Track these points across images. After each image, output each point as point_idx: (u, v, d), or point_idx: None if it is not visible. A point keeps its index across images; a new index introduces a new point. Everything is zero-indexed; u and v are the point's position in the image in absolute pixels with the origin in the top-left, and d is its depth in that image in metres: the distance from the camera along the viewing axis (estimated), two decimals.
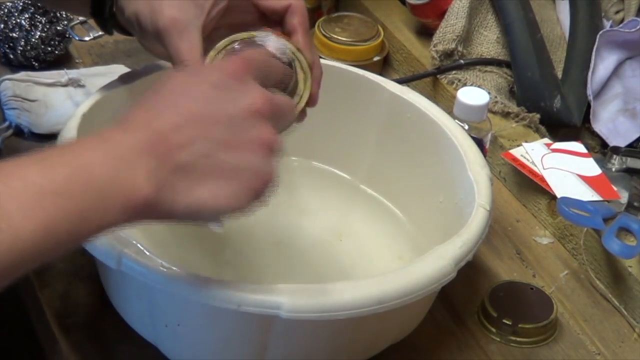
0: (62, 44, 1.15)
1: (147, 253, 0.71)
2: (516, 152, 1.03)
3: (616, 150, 1.04)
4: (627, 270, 0.91)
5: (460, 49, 1.14)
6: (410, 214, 0.96)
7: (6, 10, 1.13)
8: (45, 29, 1.13)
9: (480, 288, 0.91)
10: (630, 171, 1.02)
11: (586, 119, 1.12)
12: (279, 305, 0.69)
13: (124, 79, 0.89)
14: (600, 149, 1.11)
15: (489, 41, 1.17)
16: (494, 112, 1.10)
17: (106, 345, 0.82)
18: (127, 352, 0.81)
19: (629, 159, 1.02)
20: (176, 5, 0.75)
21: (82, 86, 1.09)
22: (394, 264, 0.90)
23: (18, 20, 1.12)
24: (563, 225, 0.99)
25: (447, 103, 1.09)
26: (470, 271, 0.90)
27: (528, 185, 1.03)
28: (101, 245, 0.72)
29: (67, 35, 1.15)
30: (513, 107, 1.11)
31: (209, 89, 0.64)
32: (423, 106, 0.93)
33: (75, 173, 0.58)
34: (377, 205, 0.97)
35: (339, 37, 1.20)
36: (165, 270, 0.70)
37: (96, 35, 1.14)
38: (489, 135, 0.97)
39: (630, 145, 1.09)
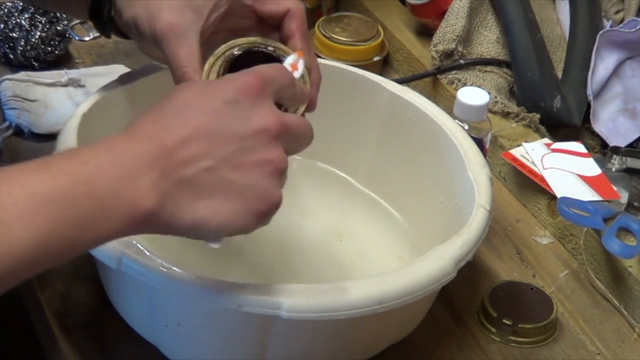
0: (62, 44, 1.15)
1: (147, 253, 0.71)
2: (516, 152, 1.03)
3: (616, 150, 1.04)
4: (627, 270, 0.91)
5: (460, 49, 1.14)
6: (410, 214, 0.95)
7: (6, 10, 1.13)
8: (45, 29, 1.13)
9: (480, 288, 0.91)
10: (630, 171, 1.02)
11: (586, 119, 1.12)
12: (279, 305, 0.69)
13: (123, 79, 0.89)
14: (600, 149, 1.11)
15: (489, 41, 1.17)
16: (494, 112, 1.10)
17: (106, 345, 0.82)
18: (127, 352, 0.81)
19: (629, 159, 1.02)
20: (174, 10, 0.75)
21: (82, 86, 1.09)
22: (394, 264, 0.90)
23: (18, 20, 1.12)
24: (563, 225, 0.99)
25: (447, 103, 1.09)
26: (470, 271, 0.90)
27: (528, 185, 1.03)
28: (101, 246, 0.72)
29: (67, 35, 1.15)
30: (513, 107, 1.11)
31: (221, 105, 0.63)
32: (423, 106, 0.93)
33: (78, 182, 0.57)
34: (377, 205, 0.97)
35: (339, 37, 1.20)
36: (165, 270, 0.70)
37: (96, 35, 1.13)
38: (489, 135, 0.97)
39: (630, 145, 1.09)
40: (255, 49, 0.76)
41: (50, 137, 1.02)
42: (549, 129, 1.10)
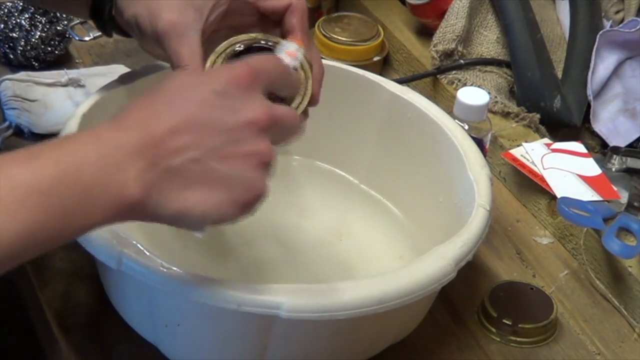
0: (62, 44, 1.15)
1: (147, 253, 0.71)
2: (516, 152, 1.03)
3: (616, 150, 1.04)
4: (627, 270, 0.91)
5: (460, 49, 1.14)
6: (410, 214, 0.95)
7: (6, 10, 1.13)
8: (45, 29, 1.13)
9: (480, 288, 0.91)
10: (630, 171, 1.02)
11: (586, 119, 1.12)
12: (279, 305, 0.69)
13: (123, 79, 0.89)
14: (600, 149, 1.11)
15: (489, 41, 1.17)
16: (494, 112, 1.10)
17: (106, 345, 0.82)
18: (127, 352, 0.81)
19: (629, 159, 1.02)
20: (175, 9, 0.75)
21: (82, 86, 1.09)
22: (394, 264, 0.90)
23: (18, 20, 1.12)
24: (563, 225, 0.99)
25: (447, 103, 1.09)
26: (470, 271, 0.90)
27: (528, 185, 1.03)
28: (101, 245, 0.72)
29: (67, 35, 1.15)
30: (513, 107, 1.11)
31: (210, 95, 0.63)
32: (423, 106, 0.93)
33: (64, 172, 0.57)
34: (377, 205, 0.97)
35: (339, 37, 1.20)
36: (165, 270, 0.70)
37: (96, 35, 1.13)
38: (489, 135, 0.97)
39: (630, 145, 1.09)
40: (256, 45, 0.76)
41: (50, 137, 1.01)
42: (549, 129, 1.10)
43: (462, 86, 1.10)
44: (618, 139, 1.10)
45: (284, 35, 0.77)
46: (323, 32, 1.20)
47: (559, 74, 1.15)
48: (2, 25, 1.12)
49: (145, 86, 0.88)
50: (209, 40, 0.76)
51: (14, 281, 0.92)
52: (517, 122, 1.10)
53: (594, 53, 1.12)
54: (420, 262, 0.76)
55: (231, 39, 0.76)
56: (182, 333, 0.76)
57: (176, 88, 0.64)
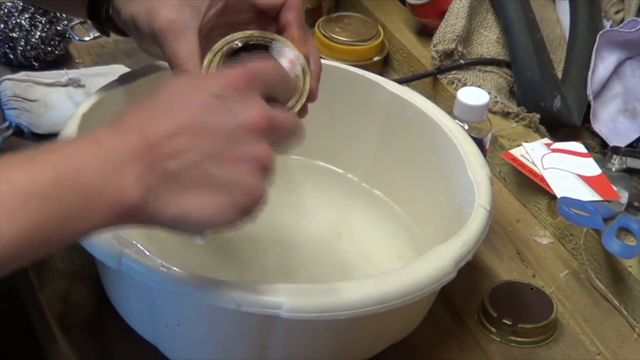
0: (62, 44, 1.15)
1: (147, 253, 0.71)
2: (516, 152, 1.03)
3: (616, 150, 1.04)
4: (627, 270, 0.91)
5: (460, 49, 1.14)
6: (410, 214, 0.95)
7: (6, 10, 1.13)
8: (45, 29, 1.13)
9: (480, 288, 0.91)
10: (630, 171, 1.01)
11: (586, 119, 1.12)
12: (279, 305, 0.69)
13: (123, 79, 0.89)
14: (600, 149, 1.11)
15: (489, 41, 1.17)
16: (494, 112, 1.10)
17: (106, 345, 0.82)
18: (127, 352, 0.81)
19: (629, 159, 1.02)
20: (172, 7, 0.75)
21: (82, 86, 1.09)
22: (394, 263, 0.90)
23: (18, 20, 1.12)
24: (563, 225, 0.99)
25: (447, 103, 1.09)
26: (470, 271, 0.90)
27: (528, 185, 1.03)
28: (101, 245, 0.72)
29: (67, 35, 1.15)
30: (513, 107, 1.11)
31: (208, 98, 0.63)
32: (423, 106, 0.93)
33: (63, 176, 0.57)
34: (377, 205, 0.97)
35: (339, 37, 1.20)
36: (165, 270, 0.70)
37: (96, 35, 1.13)
38: (489, 135, 0.97)
39: (630, 145, 1.09)
40: (253, 42, 0.76)
41: (50, 137, 1.02)
42: (549, 129, 1.10)
43: (462, 86, 1.10)
44: (618, 139, 1.10)
45: (280, 31, 0.77)
46: (323, 32, 1.20)
47: (559, 74, 1.15)
48: (2, 25, 1.12)
49: (145, 86, 0.88)
50: (207, 38, 0.76)
51: (14, 281, 0.92)
52: (517, 122, 1.10)
53: (594, 53, 1.11)
54: (420, 262, 0.76)
55: (228, 36, 0.76)
56: (182, 333, 0.76)
57: (174, 92, 0.63)
